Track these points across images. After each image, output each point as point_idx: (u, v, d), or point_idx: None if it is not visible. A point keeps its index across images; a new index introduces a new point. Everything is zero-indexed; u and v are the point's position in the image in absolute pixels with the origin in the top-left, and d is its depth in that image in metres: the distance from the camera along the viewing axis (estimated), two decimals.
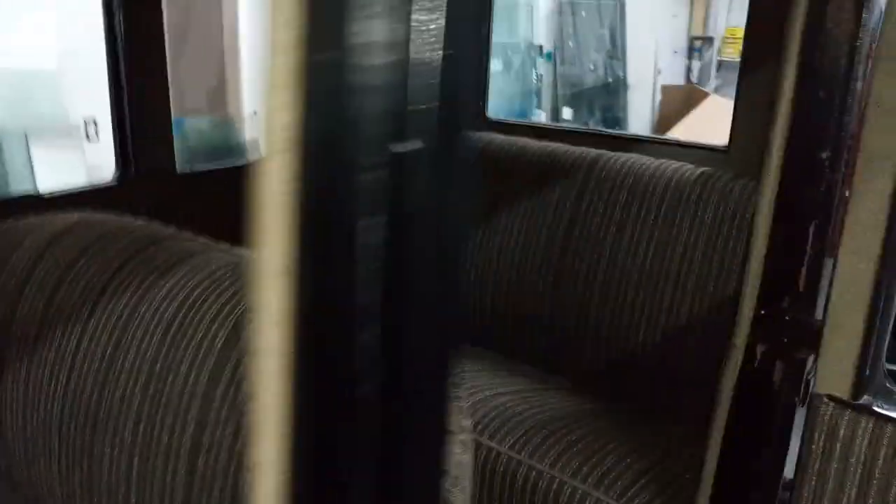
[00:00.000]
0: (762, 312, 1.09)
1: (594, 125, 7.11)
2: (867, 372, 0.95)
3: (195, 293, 1.09)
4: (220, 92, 4.99)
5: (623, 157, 2.01)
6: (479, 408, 1.61)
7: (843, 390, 0.95)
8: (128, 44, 1.81)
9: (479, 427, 1.55)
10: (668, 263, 1.83)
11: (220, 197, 2.12)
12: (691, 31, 7.29)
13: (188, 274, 1.12)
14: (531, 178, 2.09)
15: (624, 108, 7.46)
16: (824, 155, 0.99)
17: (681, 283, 1.81)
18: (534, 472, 1.44)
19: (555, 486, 1.41)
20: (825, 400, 0.97)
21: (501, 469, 1.47)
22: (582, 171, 2.02)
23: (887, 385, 0.96)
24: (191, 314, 1.06)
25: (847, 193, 0.93)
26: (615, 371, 1.89)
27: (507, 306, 2.07)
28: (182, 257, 1.11)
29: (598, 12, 6.88)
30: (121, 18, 1.78)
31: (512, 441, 1.51)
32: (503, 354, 2.07)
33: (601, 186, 1.97)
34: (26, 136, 3.54)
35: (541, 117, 6.72)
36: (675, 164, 1.94)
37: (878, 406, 0.94)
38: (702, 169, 1.90)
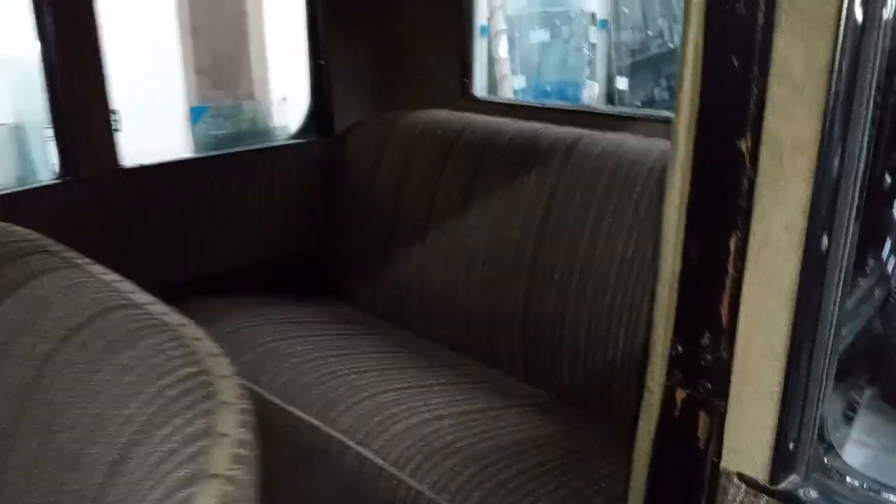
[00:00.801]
0: (679, 350, 0.83)
1: (658, 94, 6.67)
2: (790, 445, 0.69)
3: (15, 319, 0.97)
4: (253, 77, 4.91)
5: (606, 137, 1.74)
6: (408, 435, 1.40)
7: (756, 469, 0.70)
8: (60, 41, 1.74)
9: (402, 461, 1.35)
10: (649, 264, 1.56)
11: (165, 190, 1.99)
12: None
13: (18, 300, 1.00)
14: (507, 164, 1.85)
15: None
16: (743, 146, 0.73)
17: None
18: None
19: None
20: (735, 480, 0.71)
21: None
22: (560, 154, 1.76)
23: (824, 463, 0.70)
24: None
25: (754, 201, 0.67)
26: (592, 387, 1.65)
27: (479, 309, 1.85)
28: (21, 281, 0.99)
29: None
30: (51, 19, 1.71)
31: (435, 479, 1.30)
32: (480, 360, 1.85)
33: (579, 172, 1.71)
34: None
35: (593, 89, 6.34)
36: (664, 144, 1.65)
37: (805, 495, 0.68)
38: None
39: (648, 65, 6.72)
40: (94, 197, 1.87)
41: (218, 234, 2.10)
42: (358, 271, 2.16)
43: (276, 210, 2.19)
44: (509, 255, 1.78)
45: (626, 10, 6.48)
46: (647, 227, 1.58)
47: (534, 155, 1.81)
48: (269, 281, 2.19)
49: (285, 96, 4.89)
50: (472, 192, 1.89)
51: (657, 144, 1.68)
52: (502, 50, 5.69)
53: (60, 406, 0.81)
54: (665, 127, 1.82)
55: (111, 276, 1.00)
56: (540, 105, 2.10)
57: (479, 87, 2.23)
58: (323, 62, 2.21)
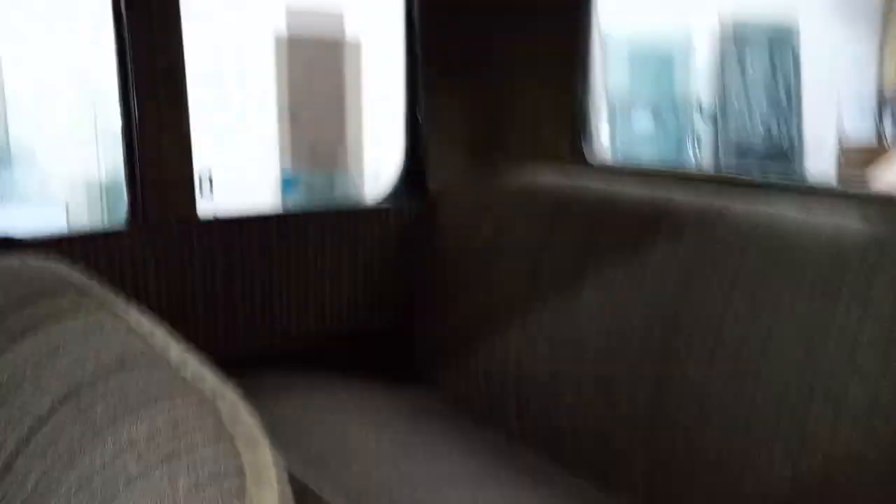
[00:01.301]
0: None
1: None
2: None
3: None
4: (342, 149, 4.87)
5: (756, 209, 1.43)
6: None
7: None
8: (141, 83, 1.65)
9: None
10: (818, 367, 1.21)
11: (244, 244, 1.81)
12: (882, 84, 6.26)
13: (32, 342, 0.84)
14: (630, 233, 1.55)
15: (800, 177, 6.54)
16: None
17: (837, 399, 1.18)
18: None
19: None
20: None
21: None
22: (693, 226, 1.45)
23: None
24: None
25: None
26: None
27: (592, 412, 1.52)
28: (41, 320, 0.86)
29: (769, 62, 6.11)
30: (131, 59, 1.64)
31: None
32: (591, 478, 1.50)
33: (721, 250, 1.39)
34: None
35: None
36: (835, 221, 1.33)
37: None
38: (879, 228, 1.27)
39: (752, 162, 6.35)
40: (160, 248, 1.71)
41: (291, 299, 1.88)
42: (444, 354, 1.87)
43: (358, 278, 1.95)
44: (632, 344, 1.46)
45: (735, 102, 6.19)
46: (818, 322, 1.23)
47: (664, 223, 1.51)
48: (343, 357, 1.94)
49: (379, 170, 4.83)
50: (584, 266, 1.60)
51: (824, 220, 1.35)
52: (602, 134, 5.48)
53: (46, 482, 0.64)
54: (832, 201, 1.49)
55: (145, 325, 0.80)
56: (673, 172, 1.80)
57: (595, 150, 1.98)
58: (419, 118, 2.02)
